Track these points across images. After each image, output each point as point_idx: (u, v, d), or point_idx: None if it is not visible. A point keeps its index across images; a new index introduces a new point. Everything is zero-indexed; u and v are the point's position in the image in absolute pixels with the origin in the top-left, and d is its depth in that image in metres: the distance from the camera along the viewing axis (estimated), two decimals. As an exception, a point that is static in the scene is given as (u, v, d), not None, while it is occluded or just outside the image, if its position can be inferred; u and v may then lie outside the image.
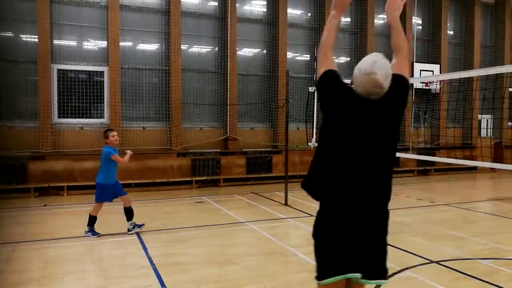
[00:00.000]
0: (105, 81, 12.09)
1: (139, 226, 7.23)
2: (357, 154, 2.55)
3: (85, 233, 6.96)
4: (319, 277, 2.73)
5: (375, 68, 2.52)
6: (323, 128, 2.69)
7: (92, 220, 7.02)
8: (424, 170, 15.86)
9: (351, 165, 2.56)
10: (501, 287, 4.68)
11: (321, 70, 2.72)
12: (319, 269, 2.75)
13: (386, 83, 2.53)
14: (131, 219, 7.15)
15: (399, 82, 2.69)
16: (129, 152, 7.26)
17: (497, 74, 6.48)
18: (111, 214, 8.85)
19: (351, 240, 2.57)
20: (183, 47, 12.89)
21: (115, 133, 7.27)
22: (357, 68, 2.62)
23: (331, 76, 2.69)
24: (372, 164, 2.57)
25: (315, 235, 2.78)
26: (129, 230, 7.13)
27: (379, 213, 2.63)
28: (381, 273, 2.65)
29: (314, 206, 9.51)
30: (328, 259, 2.69)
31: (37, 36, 11.23)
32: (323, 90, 2.65)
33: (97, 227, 7.71)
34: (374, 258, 2.63)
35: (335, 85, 2.66)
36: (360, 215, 2.56)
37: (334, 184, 2.60)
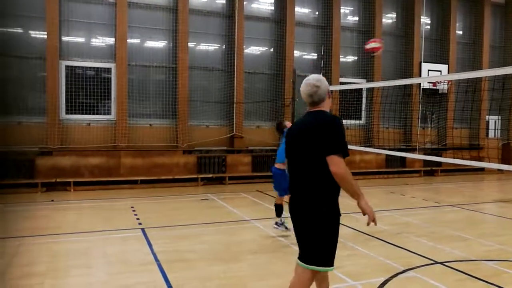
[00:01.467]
0: (112, 78, 12.16)
1: (285, 227, 6.88)
2: None
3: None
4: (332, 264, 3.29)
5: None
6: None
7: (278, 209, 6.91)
8: (431, 170, 15.78)
9: None
10: (506, 289, 4.66)
11: None
12: (331, 257, 3.28)
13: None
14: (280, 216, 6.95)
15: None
16: None
17: (505, 74, 6.43)
18: (114, 210, 8.93)
19: None
20: (191, 44, 12.92)
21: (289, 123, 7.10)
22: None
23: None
24: None
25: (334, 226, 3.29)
26: (276, 223, 7.00)
27: None
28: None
29: (319, 205, 9.24)
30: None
31: (45, 33, 11.31)
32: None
33: (102, 223, 7.78)
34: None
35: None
36: None
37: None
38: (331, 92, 3.42)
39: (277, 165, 6.84)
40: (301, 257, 3.28)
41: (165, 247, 6.20)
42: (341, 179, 3.04)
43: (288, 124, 6.96)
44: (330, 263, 3.25)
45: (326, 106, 3.36)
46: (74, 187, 11.12)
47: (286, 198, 6.59)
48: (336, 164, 3.00)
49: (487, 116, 16.95)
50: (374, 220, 3.18)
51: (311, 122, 3.26)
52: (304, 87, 3.33)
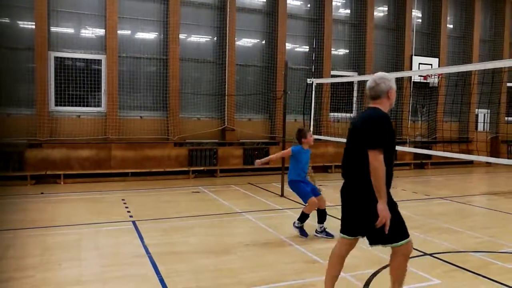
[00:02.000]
0: (102, 70, 12.04)
1: (328, 234, 6.46)
2: None
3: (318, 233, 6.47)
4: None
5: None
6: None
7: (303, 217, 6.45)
8: (421, 163, 15.92)
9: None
10: (493, 280, 4.74)
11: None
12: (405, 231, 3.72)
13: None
14: (322, 223, 6.52)
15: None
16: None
17: (495, 68, 6.49)
18: (105, 203, 8.90)
19: None
20: (182, 36, 12.82)
21: (310, 133, 6.67)
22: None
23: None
24: None
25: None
26: (316, 231, 6.54)
27: None
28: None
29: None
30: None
31: (34, 23, 11.14)
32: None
33: (93, 215, 7.75)
34: None
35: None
36: None
37: None
38: (389, 92, 3.69)
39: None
40: (387, 240, 3.65)
41: (156, 239, 6.20)
42: (373, 172, 3.40)
43: (309, 134, 6.52)
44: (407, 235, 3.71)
45: (383, 105, 3.67)
46: (64, 179, 11.04)
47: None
48: (372, 158, 3.39)
49: (476, 110, 17.12)
50: (384, 225, 3.49)
51: (363, 117, 3.63)
52: (368, 81, 3.71)
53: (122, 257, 5.42)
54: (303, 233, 6.46)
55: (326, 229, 6.51)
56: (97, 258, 5.44)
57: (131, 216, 7.61)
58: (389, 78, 3.70)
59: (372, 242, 3.73)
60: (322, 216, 6.49)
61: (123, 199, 9.12)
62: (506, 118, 17.78)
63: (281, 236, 6.47)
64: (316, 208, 6.42)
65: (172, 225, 7.06)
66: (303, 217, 6.47)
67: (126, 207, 8.37)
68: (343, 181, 3.79)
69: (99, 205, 8.67)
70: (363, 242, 6.13)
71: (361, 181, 3.53)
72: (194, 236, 6.49)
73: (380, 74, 3.72)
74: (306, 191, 6.41)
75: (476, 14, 17.13)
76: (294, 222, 6.57)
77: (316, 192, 6.48)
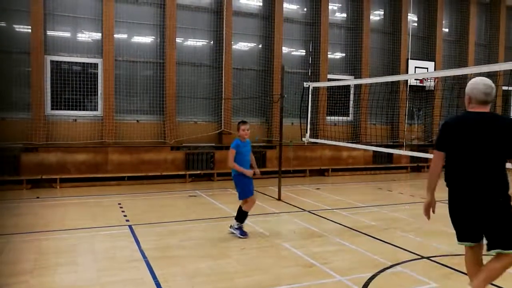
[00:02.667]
0: (99, 73, 12.01)
1: (242, 233, 6.55)
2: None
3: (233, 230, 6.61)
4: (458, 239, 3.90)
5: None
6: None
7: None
8: (417, 166, 15.95)
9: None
10: (490, 283, 4.73)
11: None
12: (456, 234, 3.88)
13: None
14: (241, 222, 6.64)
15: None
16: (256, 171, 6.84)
17: (489, 72, 6.52)
18: (101, 207, 8.86)
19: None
20: (178, 40, 12.83)
21: (246, 126, 6.68)
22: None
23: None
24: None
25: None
26: (231, 226, 6.72)
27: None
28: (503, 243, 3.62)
29: (306, 201, 9.62)
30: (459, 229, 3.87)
31: (30, 27, 11.12)
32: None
33: (89, 220, 7.71)
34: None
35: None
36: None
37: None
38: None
39: (247, 171, 6.58)
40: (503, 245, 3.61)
41: (152, 243, 6.17)
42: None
43: (241, 128, 6.60)
44: None
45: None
46: (60, 183, 10.98)
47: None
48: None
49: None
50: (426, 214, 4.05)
51: (507, 122, 3.62)
52: (482, 86, 3.65)
53: (118, 262, 5.39)
54: (243, 233, 6.55)
55: (243, 228, 6.64)
56: (93, 263, 5.40)
57: (127, 220, 7.57)
58: None
59: (492, 247, 3.68)
60: (243, 215, 6.59)
61: (119, 203, 9.08)
62: None
63: (277, 239, 6.46)
64: (245, 207, 6.59)
65: (169, 229, 7.03)
66: (243, 216, 6.57)
67: (123, 211, 8.33)
68: (456, 186, 3.85)
69: (95, 209, 8.63)
70: (356, 244, 6.16)
71: (497, 185, 3.59)
72: (191, 240, 6.46)
73: (489, 80, 3.70)
74: (249, 188, 6.60)
75: (471, 18, 17.23)
76: (231, 226, 6.65)
77: (252, 192, 6.65)
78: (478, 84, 3.68)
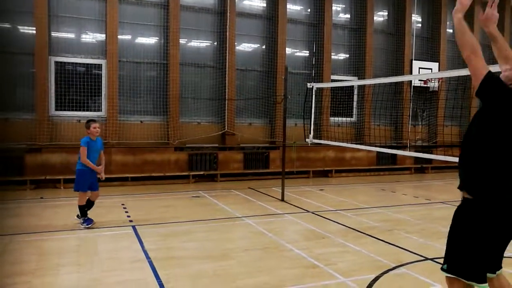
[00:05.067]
0: (103, 74, 12.05)
1: (88, 222, 7.09)
2: None
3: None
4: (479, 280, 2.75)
5: None
6: (492, 132, 2.72)
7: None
8: (421, 168, 15.88)
9: None
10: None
11: (482, 72, 2.74)
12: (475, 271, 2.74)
13: None
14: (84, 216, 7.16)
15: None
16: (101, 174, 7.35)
17: (494, 72, 6.44)
18: (105, 207, 8.86)
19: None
20: (182, 41, 12.84)
21: (96, 124, 7.24)
22: None
23: (496, 79, 2.76)
24: None
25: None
26: (78, 216, 7.19)
27: None
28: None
29: (310, 202, 9.57)
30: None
31: (34, 28, 11.16)
32: (492, 94, 2.71)
33: (93, 219, 7.70)
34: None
35: (503, 88, 2.74)
36: None
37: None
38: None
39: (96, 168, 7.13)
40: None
41: (156, 244, 6.17)
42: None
43: (92, 126, 7.08)
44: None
45: None
46: (64, 184, 11.01)
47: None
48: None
49: (476, 114, 17.07)
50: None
51: None
52: None
53: (122, 262, 5.39)
54: (89, 222, 7.03)
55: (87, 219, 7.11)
56: (96, 263, 5.40)
57: (130, 221, 7.58)
58: None
59: (498, 268, 2.94)
60: (80, 209, 7.08)
61: (122, 204, 9.09)
62: None
63: (281, 240, 6.44)
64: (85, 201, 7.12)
65: (172, 230, 7.03)
66: (81, 210, 7.06)
67: (126, 212, 8.34)
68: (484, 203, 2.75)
69: (98, 209, 8.62)
70: (360, 245, 6.13)
71: None
72: (194, 241, 6.45)
73: None
74: (86, 183, 7.05)
75: (474, 19, 17.14)
76: (78, 216, 7.11)
77: (94, 187, 7.17)
78: None
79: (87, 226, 6.98)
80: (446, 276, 2.85)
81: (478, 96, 2.79)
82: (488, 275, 2.83)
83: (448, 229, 2.96)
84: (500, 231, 2.68)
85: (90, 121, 7.25)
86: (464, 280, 2.75)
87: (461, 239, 2.80)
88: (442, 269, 2.91)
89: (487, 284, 2.75)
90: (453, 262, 2.84)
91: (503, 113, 2.67)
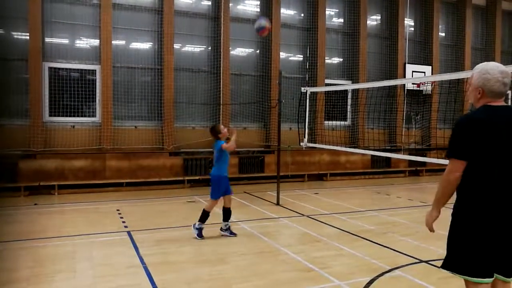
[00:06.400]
0: (97, 80, 12.03)
1: (201, 234, 6.84)
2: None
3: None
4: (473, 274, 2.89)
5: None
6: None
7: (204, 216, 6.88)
8: (416, 170, 15.96)
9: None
10: (488, 286, 4.73)
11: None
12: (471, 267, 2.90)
13: None
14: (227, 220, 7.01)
15: None
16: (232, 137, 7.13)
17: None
18: (100, 213, 8.84)
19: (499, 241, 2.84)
20: (176, 46, 12.86)
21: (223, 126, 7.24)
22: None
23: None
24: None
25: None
26: (221, 229, 7.01)
27: None
28: None
29: (305, 206, 9.60)
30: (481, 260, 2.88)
31: (28, 34, 11.14)
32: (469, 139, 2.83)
33: (87, 226, 7.69)
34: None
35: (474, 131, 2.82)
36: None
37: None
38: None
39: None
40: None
41: (151, 249, 6.15)
42: None
43: (223, 128, 7.08)
44: None
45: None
46: (58, 190, 10.96)
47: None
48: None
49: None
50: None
51: None
52: (499, 75, 2.88)
53: (116, 268, 5.37)
54: (201, 234, 6.81)
55: (230, 228, 6.99)
56: (91, 269, 5.38)
57: (126, 227, 7.55)
58: None
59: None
60: (227, 214, 6.96)
61: (117, 210, 9.07)
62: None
63: (276, 244, 6.45)
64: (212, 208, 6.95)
65: (167, 235, 7.02)
66: (206, 216, 6.87)
67: (121, 218, 8.31)
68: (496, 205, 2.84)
69: (93, 215, 8.62)
70: (355, 248, 6.15)
71: None
72: (189, 246, 6.45)
73: (503, 66, 3.00)
74: (221, 190, 6.90)
75: (467, 22, 17.34)
76: (194, 224, 6.88)
77: (228, 191, 7.00)
78: (493, 72, 2.88)
79: (198, 237, 6.76)
80: (465, 281, 2.97)
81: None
82: (500, 277, 2.91)
83: (443, 231, 3.18)
84: (483, 231, 2.85)
85: (218, 125, 7.47)
86: (459, 275, 2.94)
87: (451, 237, 3.09)
88: (440, 266, 3.09)
89: (481, 279, 2.85)
90: (447, 259, 3.06)
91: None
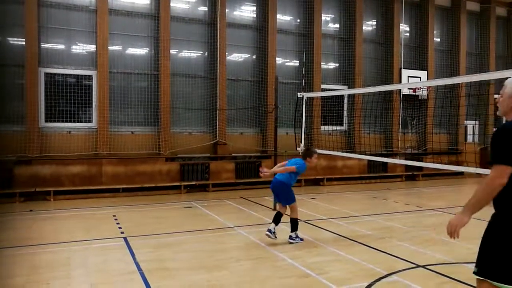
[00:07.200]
0: (93, 85, 12.02)
1: (300, 238, 6.89)
2: None
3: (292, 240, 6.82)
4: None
5: None
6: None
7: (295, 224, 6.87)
8: (412, 175, 16.00)
9: None
10: (485, 291, 4.73)
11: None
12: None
13: None
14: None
15: None
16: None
17: (481, 80, 6.59)
18: (96, 219, 8.79)
19: None
20: (173, 51, 12.88)
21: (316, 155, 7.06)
22: None
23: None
24: None
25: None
26: (291, 238, 6.91)
27: None
28: None
29: (302, 211, 9.55)
30: None
31: (24, 40, 11.13)
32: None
33: (83, 232, 7.64)
34: None
35: None
36: None
37: None
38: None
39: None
40: None
41: (148, 256, 6.12)
42: None
43: (315, 157, 6.94)
44: None
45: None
46: (54, 196, 10.90)
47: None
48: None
49: (465, 121, 17.32)
50: (450, 234, 3.13)
51: None
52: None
53: (113, 274, 5.34)
54: (298, 239, 6.84)
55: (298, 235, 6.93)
56: (87, 276, 5.35)
57: (122, 233, 7.52)
58: None
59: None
60: (279, 221, 6.90)
61: (114, 215, 9.02)
62: (494, 129, 17.99)
63: (273, 250, 6.44)
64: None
65: (164, 241, 6.99)
66: (296, 224, 6.85)
67: (118, 223, 8.27)
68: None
69: (89, 221, 8.57)
70: (352, 253, 6.15)
71: None
72: (186, 251, 6.42)
73: None
74: (294, 196, 6.89)
75: (461, 28, 17.47)
76: (290, 236, 6.84)
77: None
78: None
79: (301, 241, 6.80)
80: (477, 278, 3.01)
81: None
82: None
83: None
84: None
85: (310, 149, 7.14)
86: (491, 281, 2.91)
87: (488, 246, 3.05)
88: (473, 272, 3.06)
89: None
90: (482, 266, 3.01)
91: None
